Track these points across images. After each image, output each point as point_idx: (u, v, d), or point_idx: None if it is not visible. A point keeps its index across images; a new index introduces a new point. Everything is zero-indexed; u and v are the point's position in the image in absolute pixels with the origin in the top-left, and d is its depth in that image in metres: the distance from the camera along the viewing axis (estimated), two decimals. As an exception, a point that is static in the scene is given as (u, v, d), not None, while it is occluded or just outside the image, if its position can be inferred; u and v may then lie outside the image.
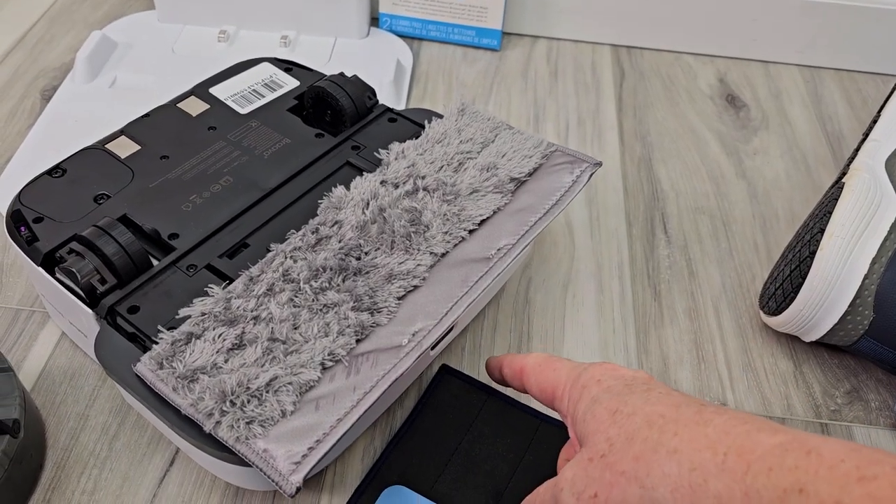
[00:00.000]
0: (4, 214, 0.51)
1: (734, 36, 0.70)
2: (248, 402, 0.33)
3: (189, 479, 0.40)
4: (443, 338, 0.39)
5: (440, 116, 0.50)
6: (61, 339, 0.46)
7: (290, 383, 0.34)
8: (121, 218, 0.41)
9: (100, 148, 0.46)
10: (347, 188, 0.42)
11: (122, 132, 0.47)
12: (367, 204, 0.41)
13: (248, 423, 0.32)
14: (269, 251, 0.40)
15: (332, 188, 0.42)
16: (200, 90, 0.50)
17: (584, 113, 0.64)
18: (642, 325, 0.48)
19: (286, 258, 0.39)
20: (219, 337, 0.35)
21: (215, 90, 0.50)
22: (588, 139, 0.62)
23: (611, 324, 0.48)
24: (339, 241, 0.39)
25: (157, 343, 0.36)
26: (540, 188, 0.44)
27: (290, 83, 0.51)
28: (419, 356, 0.36)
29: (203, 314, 0.36)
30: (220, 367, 0.34)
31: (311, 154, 0.46)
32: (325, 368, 0.35)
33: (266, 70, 0.52)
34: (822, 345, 0.48)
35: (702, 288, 0.51)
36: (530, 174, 0.45)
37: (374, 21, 0.70)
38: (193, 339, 0.35)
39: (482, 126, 0.47)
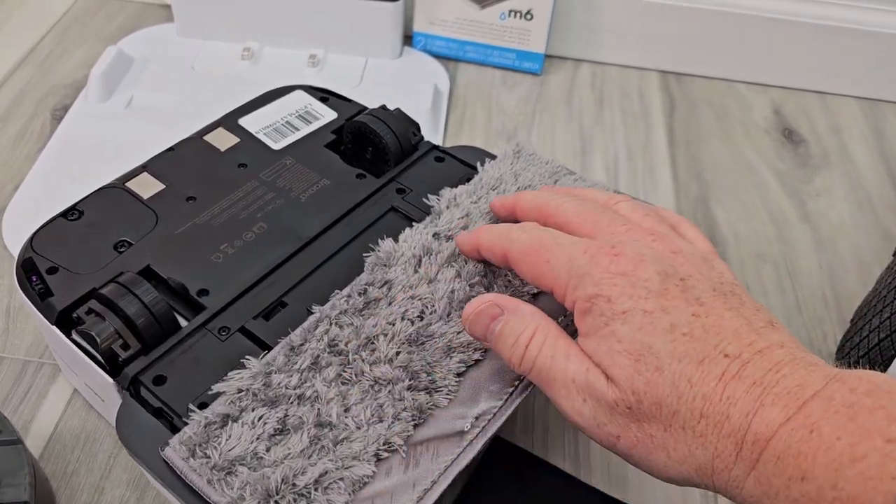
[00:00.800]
0: (12, 253, 0.47)
1: (789, 64, 0.66)
2: (295, 501, 0.28)
3: (216, 567, 0.36)
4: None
5: (491, 156, 0.45)
6: (73, 396, 0.42)
7: (341, 479, 0.29)
8: (144, 269, 0.37)
9: (120, 187, 0.41)
10: (395, 239, 0.38)
11: (144, 168, 0.42)
12: (420, 261, 0.37)
13: None
14: (309, 312, 0.36)
15: (379, 240, 0.38)
16: (229, 121, 0.46)
17: (634, 146, 0.60)
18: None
19: (331, 324, 0.34)
20: (259, 420, 0.30)
21: (245, 121, 0.46)
22: (639, 175, 0.57)
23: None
24: (389, 304, 0.35)
25: (186, 422, 0.32)
26: None
27: (326, 115, 0.47)
28: (485, 444, 0.32)
29: (240, 391, 0.32)
30: (262, 458, 0.30)
31: (353, 198, 0.42)
32: (379, 460, 0.30)
33: (300, 99, 0.48)
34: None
35: (770, 347, 0.47)
36: None
37: (408, 40, 0.66)
38: (230, 423, 0.30)
39: (540, 171, 0.42)
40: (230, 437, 0.30)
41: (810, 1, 0.63)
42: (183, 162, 0.43)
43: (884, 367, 0.40)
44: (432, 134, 0.58)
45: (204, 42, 0.64)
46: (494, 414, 0.33)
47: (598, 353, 0.28)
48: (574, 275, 0.30)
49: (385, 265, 0.36)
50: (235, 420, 0.31)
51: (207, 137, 0.45)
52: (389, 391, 0.32)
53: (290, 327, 0.35)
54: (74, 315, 0.35)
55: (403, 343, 0.33)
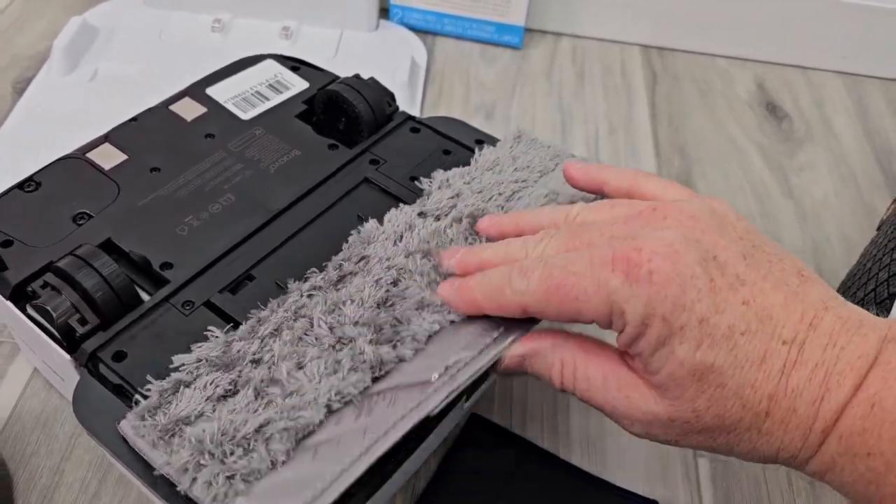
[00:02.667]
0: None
1: (772, 39, 0.65)
2: (231, 453, 0.27)
3: (181, 550, 0.35)
4: (482, 378, 0.32)
5: (469, 127, 0.44)
6: (33, 376, 0.40)
7: (284, 429, 0.27)
8: (104, 243, 0.35)
9: (80, 157, 0.39)
10: (375, 216, 0.36)
11: (106, 138, 0.40)
12: (401, 237, 0.35)
13: (228, 478, 0.26)
14: (278, 286, 0.35)
15: (363, 222, 0.36)
16: (196, 91, 0.44)
17: (616, 120, 0.59)
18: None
19: (301, 296, 0.33)
20: (210, 384, 0.29)
21: (213, 91, 0.44)
22: (621, 150, 0.56)
23: (657, 364, 0.43)
24: (364, 277, 0.33)
25: (147, 397, 0.30)
26: None
27: (298, 85, 0.45)
28: (451, 393, 0.29)
29: (198, 360, 0.30)
30: (208, 417, 0.28)
31: (325, 169, 0.40)
32: (331, 411, 0.28)
33: (270, 68, 0.46)
34: None
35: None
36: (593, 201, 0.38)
37: (384, 13, 0.64)
38: (182, 388, 0.29)
39: (541, 153, 0.40)
40: (181, 401, 0.29)
41: (794, -26, 0.62)
42: (147, 132, 0.41)
43: (869, 340, 0.39)
44: (409, 108, 0.56)
45: (173, 12, 0.61)
46: (468, 363, 0.30)
47: (657, 377, 0.27)
48: (615, 300, 0.26)
49: (365, 242, 0.35)
50: (188, 385, 0.29)
51: (173, 107, 0.43)
52: (350, 347, 0.30)
53: (257, 300, 0.34)
54: (29, 289, 0.33)
55: (372, 307, 0.32)
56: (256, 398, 0.29)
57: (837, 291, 0.45)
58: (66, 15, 0.61)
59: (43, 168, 0.39)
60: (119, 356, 0.32)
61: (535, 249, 0.31)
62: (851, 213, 0.54)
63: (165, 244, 0.36)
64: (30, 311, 0.33)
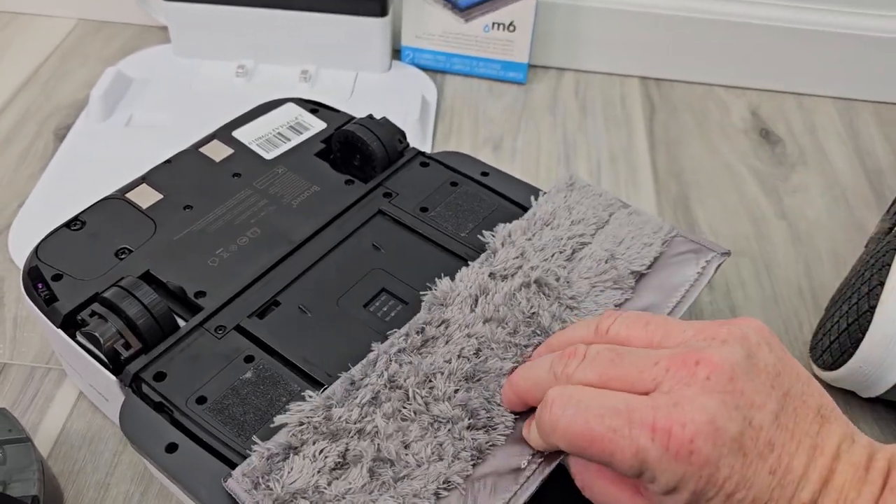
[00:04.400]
0: (19, 266, 0.49)
1: (765, 67, 0.68)
2: None
3: (217, 555, 0.38)
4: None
5: (475, 161, 0.47)
6: (79, 399, 0.44)
7: None
8: (144, 274, 0.39)
9: (120, 198, 0.43)
10: (388, 245, 0.39)
11: (143, 180, 0.45)
12: (476, 300, 0.37)
13: None
14: (301, 310, 0.38)
15: (437, 279, 0.38)
16: (223, 133, 0.48)
17: (616, 149, 0.62)
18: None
19: (391, 361, 0.35)
20: (320, 453, 0.31)
21: (238, 133, 0.48)
22: (622, 178, 0.59)
23: (656, 378, 0.46)
24: (447, 342, 0.35)
25: (186, 415, 0.34)
26: (662, 283, 0.39)
27: (316, 125, 0.49)
28: (542, 481, 0.32)
29: (301, 423, 0.32)
30: (323, 492, 0.30)
31: (342, 202, 0.44)
32: (438, 498, 0.31)
33: (291, 112, 0.50)
34: (880, 401, 0.45)
35: (748, 338, 0.49)
36: (650, 265, 0.40)
37: (396, 54, 0.69)
38: (291, 455, 0.31)
39: (594, 203, 0.42)
40: (292, 469, 0.31)
41: (785, 7, 0.65)
42: (180, 173, 0.45)
43: (853, 349, 0.42)
44: (421, 143, 0.60)
45: (200, 61, 0.66)
46: (552, 451, 0.33)
47: None
48: (650, 467, 0.27)
49: (442, 304, 0.37)
50: (297, 452, 0.31)
51: (203, 149, 0.47)
52: (449, 430, 0.32)
53: (283, 325, 0.38)
54: (78, 318, 0.37)
55: (461, 380, 0.34)
56: (371, 479, 0.31)
57: (827, 305, 0.47)
58: (102, 66, 0.66)
59: (87, 208, 0.43)
60: (160, 376, 0.35)
61: (563, 372, 0.31)
62: (843, 232, 0.56)
63: (199, 274, 0.40)
64: (79, 338, 0.37)
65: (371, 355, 0.35)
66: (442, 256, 0.41)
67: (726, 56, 0.68)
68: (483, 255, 0.40)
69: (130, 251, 0.40)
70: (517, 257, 0.39)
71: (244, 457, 0.32)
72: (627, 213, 0.42)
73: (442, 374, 0.34)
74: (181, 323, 0.38)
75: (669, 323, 0.31)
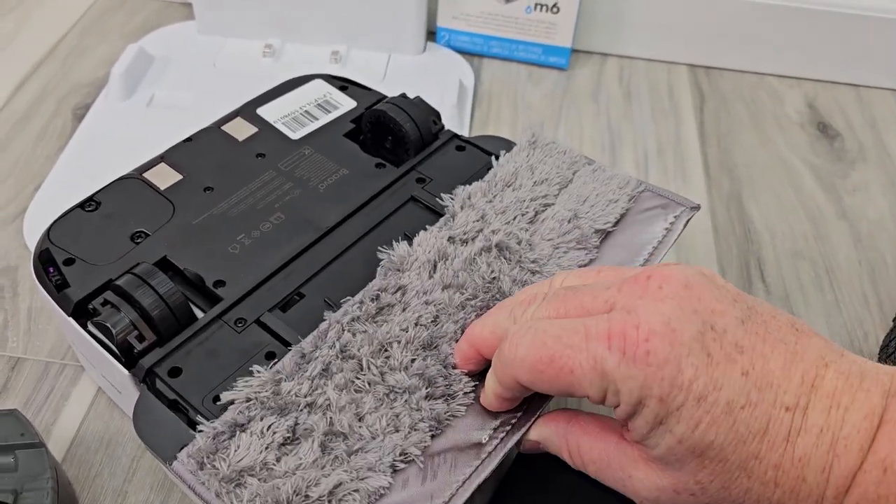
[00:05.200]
0: (34, 248, 0.46)
1: (822, 56, 0.64)
2: None
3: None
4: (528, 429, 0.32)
5: (512, 143, 0.44)
6: (96, 397, 0.41)
7: (356, 490, 0.28)
8: (161, 261, 0.36)
9: (137, 177, 0.41)
10: (409, 242, 0.36)
11: (161, 159, 0.42)
12: (434, 266, 0.35)
13: None
14: (327, 304, 0.35)
15: (394, 241, 0.36)
16: (247, 111, 0.45)
17: (664, 141, 0.58)
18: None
19: (343, 331, 0.33)
20: (268, 429, 0.29)
21: (263, 111, 0.45)
22: (670, 171, 0.56)
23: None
24: (403, 310, 0.33)
25: (202, 413, 0.31)
26: (629, 241, 0.38)
27: (346, 104, 0.46)
28: (503, 456, 0.30)
29: (248, 399, 0.30)
30: (272, 468, 0.28)
31: (372, 187, 0.41)
32: (395, 471, 0.29)
33: (319, 88, 0.47)
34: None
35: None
36: (616, 222, 0.38)
37: (431, 35, 0.65)
38: (238, 432, 0.29)
39: (557, 162, 0.40)
40: (238, 447, 0.29)
41: (845, -8, 0.61)
42: (200, 152, 0.42)
43: (931, 364, 0.38)
44: (458, 129, 0.56)
45: (225, 39, 0.63)
46: (513, 424, 0.31)
47: (655, 451, 0.26)
48: (611, 379, 0.26)
49: (398, 269, 0.35)
50: (244, 430, 0.29)
51: (225, 127, 0.44)
52: (406, 400, 0.31)
53: (307, 319, 0.34)
54: (90, 306, 0.34)
55: (418, 349, 0.32)
56: (323, 453, 0.29)
57: (895, 318, 0.44)
58: (123, 43, 0.63)
59: (102, 188, 0.40)
60: (174, 372, 0.32)
61: (522, 316, 0.30)
62: (909, 234, 0.52)
63: (218, 262, 0.37)
64: (91, 327, 0.34)
65: (322, 325, 0.33)
66: (480, 249, 0.38)
67: (780, 43, 0.64)
68: (441, 220, 0.38)
69: (147, 235, 0.38)
70: (477, 220, 0.37)
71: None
72: (592, 169, 0.40)
73: (399, 342, 0.32)
74: (199, 314, 0.35)
75: (623, 268, 0.30)
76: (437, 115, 0.45)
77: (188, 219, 0.39)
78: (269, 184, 0.41)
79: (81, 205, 0.39)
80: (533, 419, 0.31)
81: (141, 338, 0.33)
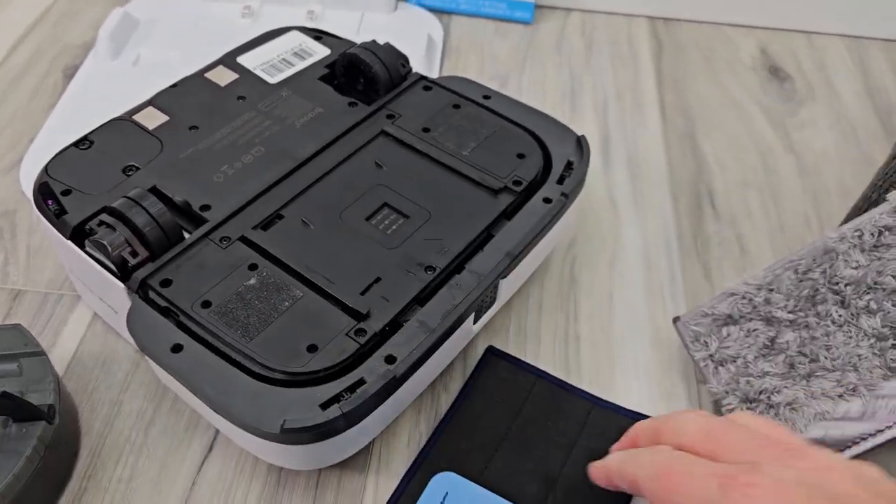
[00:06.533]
0: (30, 195, 0.49)
1: (774, 5, 0.67)
2: (766, 410, 0.34)
3: (229, 464, 0.38)
4: (489, 303, 0.37)
5: (474, 83, 0.47)
6: (92, 322, 0.44)
7: (807, 406, 0.33)
8: (151, 189, 0.40)
9: (127, 119, 0.44)
10: (390, 163, 0.40)
11: (149, 103, 0.45)
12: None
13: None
14: (303, 222, 0.39)
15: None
16: (228, 59, 0.48)
17: (623, 87, 0.62)
18: (693, 304, 0.46)
19: (837, 258, 0.35)
20: (753, 331, 0.35)
21: (243, 59, 0.48)
22: (628, 114, 0.59)
23: (661, 303, 0.46)
24: None
25: (191, 317, 0.34)
26: None
27: (320, 51, 0.49)
28: None
29: (744, 296, 0.36)
30: (748, 365, 0.35)
31: (345, 123, 0.44)
32: (841, 399, 0.33)
33: (295, 39, 0.50)
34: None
35: (754, 264, 0.49)
36: None
37: (402, -5, 0.68)
38: (729, 324, 0.36)
39: None
40: (728, 336, 0.35)
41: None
42: (186, 96, 0.45)
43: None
44: (426, 80, 0.59)
45: (207, 2, 0.66)
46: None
47: None
48: None
49: None
50: (734, 323, 0.36)
51: (208, 75, 0.47)
52: (871, 344, 0.34)
53: (285, 236, 0.38)
54: (87, 227, 0.37)
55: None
56: (790, 369, 0.34)
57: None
58: (111, 6, 0.66)
59: (94, 129, 0.43)
60: (166, 283, 0.36)
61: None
62: (852, 165, 0.56)
63: (204, 189, 0.40)
64: (88, 247, 0.37)
65: (818, 242, 0.36)
66: (444, 174, 0.42)
67: (735, -5, 0.67)
68: None
69: (137, 168, 0.41)
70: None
71: (248, 356, 0.33)
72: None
73: (884, 289, 0.34)
74: (186, 235, 0.38)
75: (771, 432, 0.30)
76: (406, 58, 0.48)
77: (175, 153, 0.42)
78: (250, 122, 0.44)
79: (76, 143, 0.42)
80: None
81: (134, 253, 0.36)
